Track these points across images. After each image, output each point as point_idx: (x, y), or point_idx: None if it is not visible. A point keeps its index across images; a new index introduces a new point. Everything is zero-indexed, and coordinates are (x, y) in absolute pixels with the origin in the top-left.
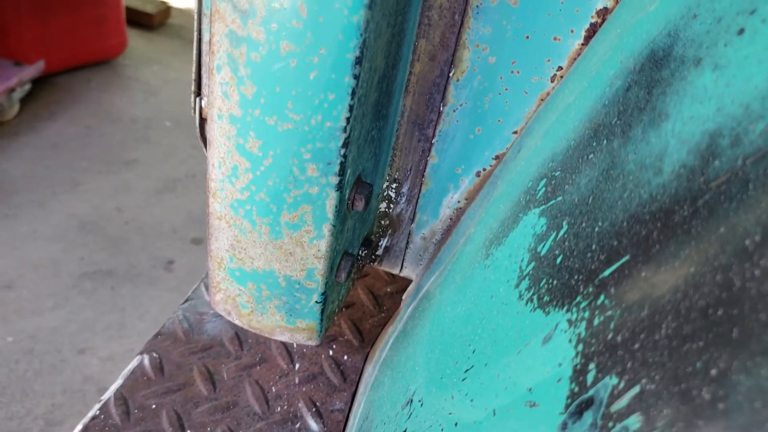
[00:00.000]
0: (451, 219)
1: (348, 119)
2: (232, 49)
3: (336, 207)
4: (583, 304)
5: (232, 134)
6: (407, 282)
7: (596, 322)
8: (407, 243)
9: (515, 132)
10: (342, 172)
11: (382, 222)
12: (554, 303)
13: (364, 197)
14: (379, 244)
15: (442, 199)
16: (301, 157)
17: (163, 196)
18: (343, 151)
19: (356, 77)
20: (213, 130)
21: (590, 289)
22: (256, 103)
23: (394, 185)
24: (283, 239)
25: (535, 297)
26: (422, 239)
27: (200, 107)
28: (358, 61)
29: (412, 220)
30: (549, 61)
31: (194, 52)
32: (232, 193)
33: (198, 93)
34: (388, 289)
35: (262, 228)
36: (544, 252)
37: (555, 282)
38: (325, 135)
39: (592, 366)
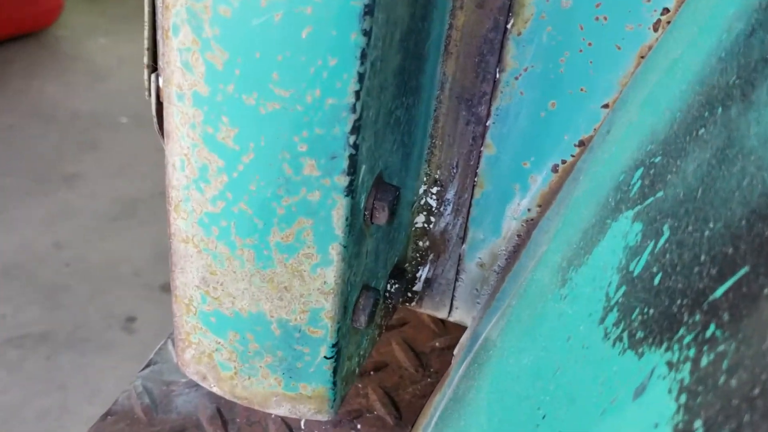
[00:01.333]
0: (519, 236)
1: (358, 93)
2: (194, 1)
3: (347, 219)
4: (687, 339)
5: (198, 121)
6: (462, 331)
7: (704, 362)
8: (457, 273)
9: (605, 106)
10: (353, 170)
11: (420, 243)
12: (650, 340)
13: (388, 205)
14: (417, 275)
15: (505, 207)
16: (294, 149)
17: (118, 224)
18: (352, 140)
19: (366, 33)
20: (172, 116)
21: (697, 317)
22: (228, 75)
23: (434, 189)
24: (274, 268)
25: (624, 334)
26: (478, 266)
27: (156, 86)
28: (369, 10)
29: (463, 240)
30: (649, 1)
31: (146, 8)
32: (200, 204)
33: (153, 67)
34: (437, 344)
35: (244, 252)
36: (638, 270)
37: (651, 311)
38: (326, 117)
39: (698, 424)
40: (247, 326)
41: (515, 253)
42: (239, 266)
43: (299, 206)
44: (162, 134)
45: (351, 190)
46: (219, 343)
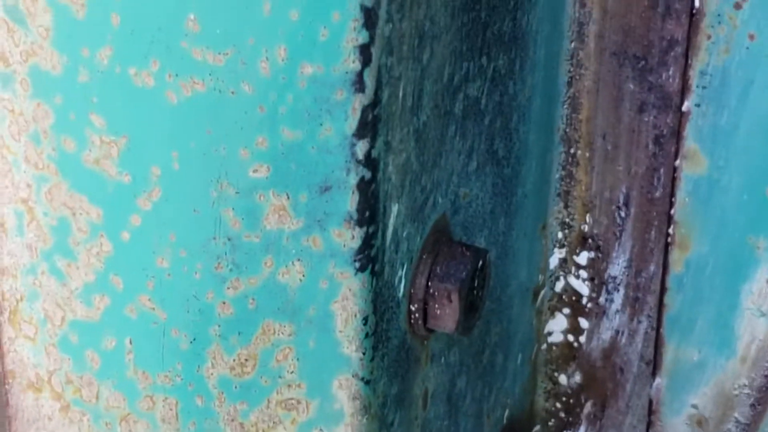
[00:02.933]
0: None
1: (367, 49)
2: None
3: (365, 323)
4: None
5: (45, 127)
6: None
7: None
8: None
9: None
10: (370, 215)
11: (562, 378)
12: None
13: (463, 289)
14: None
15: (740, 290)
16: (241, 175)
17: None
18: (363, 149)
19: None
20: None
21: None
22: (100, 29)
23: (581, 256)
24: None
25: None
26: (692, 425)
27: None
28: None
29: (654, 369)
30: None
31: None
32: (61, 304)
33: None
34: None
35: (156, 404)
36: None
37: None
38: (302, 104)
39: None
40: None
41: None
42: None
43: (261, 297)
44: None
45: (369, 260)
46: None
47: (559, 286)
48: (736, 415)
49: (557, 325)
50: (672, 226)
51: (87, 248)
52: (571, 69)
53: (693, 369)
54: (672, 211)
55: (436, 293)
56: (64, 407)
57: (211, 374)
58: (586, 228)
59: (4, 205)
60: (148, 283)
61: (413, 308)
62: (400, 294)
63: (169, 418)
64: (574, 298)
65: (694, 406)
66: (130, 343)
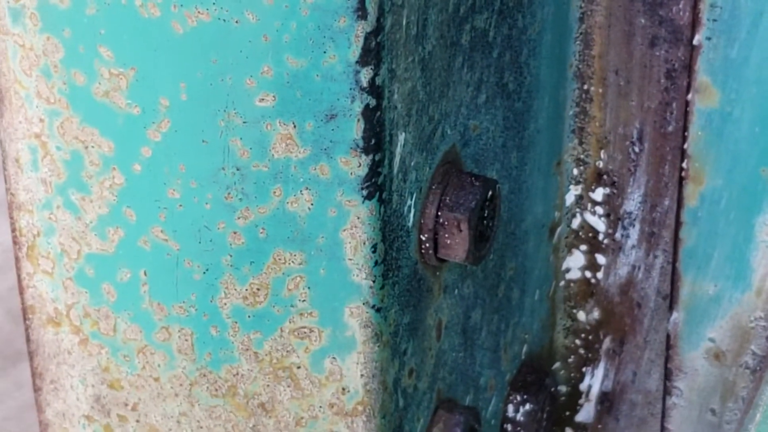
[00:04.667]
0: None
1: None
2: None
3: (374, 250)
4: None
5: (56, 61)
6: None
7: None
8: (666, 377)
9: None
10: (375, 143)
11: (580, 314)
12: None
13: (471, 218)
14: (580, 386)
15: (754, 223)
16: (247, 103)
17: None
18: (367, 75)
19: None
20: (5, 59)
21: None
22: None
23: (597, 192)
24: (235, 364)
25: None
26: (710, 358)
27: None
28: None
29: (671, 303)
30: None
31: None
32: (77, 238)
33: None
34: None
35: (172, 336)
36: None
37: None
38: (305, 30)
39: None
40: None
41: None
42: (166, 366)
43: (271, 226)
44: None
45: (377, 188)
46: None
47: (576, 222)
48: (752, 347)
49: (574, 262)
50: (686, 161)
51: (100, 181)
52: (583, 5)
53: (709, 303)
54: (685, 146)
55: (446, 223)
56: (83, 341)
57: (225, 304)
58: (600, 164)
59: (18, 141)
60: (160, 214)
61: (423, 238)
62: (410, 223)
63: (185, 349)
64: (590, 234)
65: (712, 340)
66: (145, 274)
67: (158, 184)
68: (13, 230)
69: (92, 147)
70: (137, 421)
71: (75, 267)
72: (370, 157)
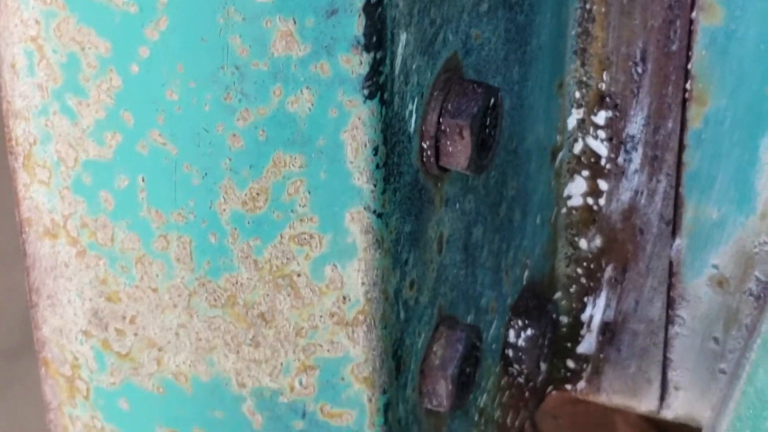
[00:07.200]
0: None
1: None
2: None
3: (376, 153)
4: None
5: None
6: None
7: None
8: (669, 305)
9: None
10: (377, 40)
11: (582, 242)
12: None
13: (473, 123)
14: (581, 316)
15: (759, 145)
16: (235, 1)
17: None
18: None
19: None
20: None
21: None
22: None
23: (599, 115)
24: (234, 272)
25: None
26: (714, 285)
27: None
28: None
29: (674, 228)
30: None
31: None
32: (74, 144)
33: None
34: None
35: (170, 243)
36: None
37: None
38: None
39: None
40: (193, 413)
41: None
42: (164, 276)
43: (271, 128)
44: None
45: (378, 87)
46: None
47: (578, 147)
48: (756, 273)
49: (576, 188)
50: (689, 81)
51: (97, 84)
52: None
53: (713, 228)
54: (689, 65)
55: (448, 129)
56: (81, 252)
57: (224, 210)
58: (603, 86)
59: (14, 45)
60: (158, 117)
61: (425, 145)
62: (411, 129)
63: (183, 258)
64: (592, 159)
65: (715, 266)
66: (143, 180)
67: (156, 86)
68: (9, 140)
69: (89, 48)
70: (135, 334)
71: (72, 175)
72: (371, 54)
